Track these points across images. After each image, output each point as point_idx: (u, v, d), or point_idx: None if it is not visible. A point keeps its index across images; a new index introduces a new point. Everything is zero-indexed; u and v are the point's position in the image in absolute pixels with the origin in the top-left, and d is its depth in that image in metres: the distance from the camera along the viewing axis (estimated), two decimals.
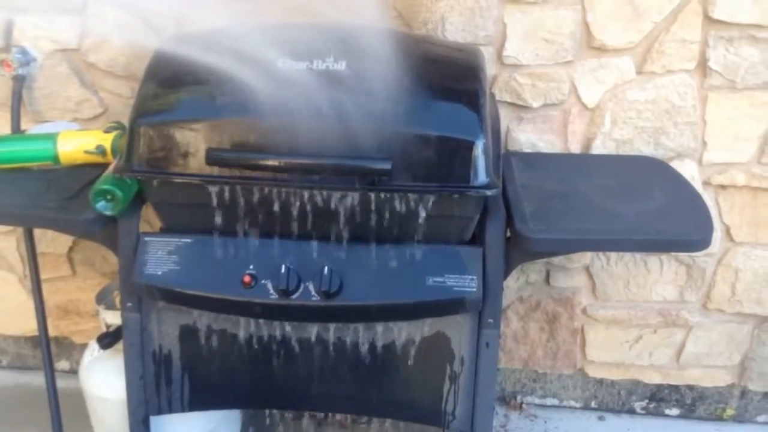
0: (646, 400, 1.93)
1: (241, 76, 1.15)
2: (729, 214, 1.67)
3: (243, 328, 1.30)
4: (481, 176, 1.15)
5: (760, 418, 1.91)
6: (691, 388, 1.90)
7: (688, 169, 1.61)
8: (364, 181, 1.14)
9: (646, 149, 1.61)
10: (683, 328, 1.80)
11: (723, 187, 1.64)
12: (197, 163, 1.15)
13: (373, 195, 1.16)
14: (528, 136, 1.62)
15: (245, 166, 1.14)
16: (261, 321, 1.29)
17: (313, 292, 1.20)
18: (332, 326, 1.30)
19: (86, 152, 1.36)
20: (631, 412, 1.94)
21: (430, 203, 1.17)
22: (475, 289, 1.21)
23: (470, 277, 1.22)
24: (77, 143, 1.36)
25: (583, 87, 1.57)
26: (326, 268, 1.19)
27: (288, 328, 1.30)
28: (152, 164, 1.17)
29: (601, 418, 1.92)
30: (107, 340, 1.45)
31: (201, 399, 1.37)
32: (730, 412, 1.91)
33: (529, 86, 1.56)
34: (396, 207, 1.17)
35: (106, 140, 1.36)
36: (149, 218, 1.57)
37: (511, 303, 1.80)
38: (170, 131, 1.15)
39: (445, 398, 1.34)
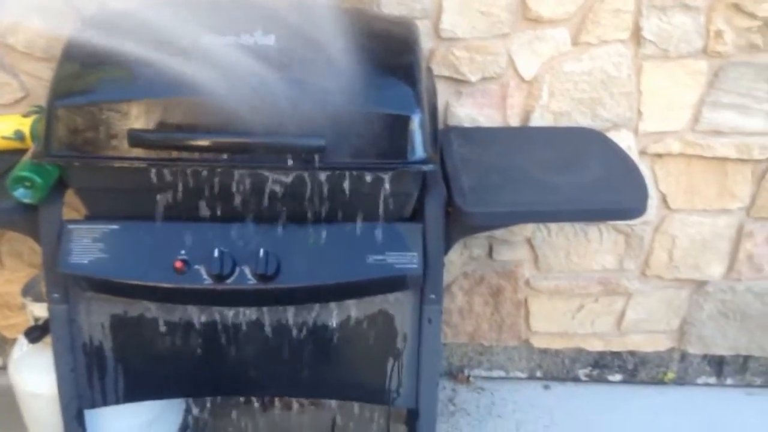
0: (590, 368, 1.97)
1: (165, 54, 1.10)
2: (665, 182, 1.69)
3: (177, 315, 1.26)
4: (419, 151, 1.13)
5: (700, 380, 1.97)
6: (632, 353, 1.94)
7: (624, 139, 1.62)
8: (298, 160, 1.10)
9: (583, 120, 1.61)
10: (623, 295, 1.83)
11: (659, 155, 1.67)
12: (120, 146, 1.10)
13: (307, 174, 1.13)
14: (468, 111, 1.61)
15: (169, 146, 1.09)
16: (196, 307, 1.25)
17: (249, 276, 1.16)
18: (271, 309, 1.27)
19: (3, 138, 1.31)
20: (576, 379, 1.98)
21: (367, 180, 1.14)
22: (416, 266, 1.20)
23: (411, 253, 1.20)
24: None
25: (520, 59, 1.56)
26: (262, 251, 1.16)
27: (225, 313, 1.26)
28: (72, 148, 1.11)
29: (546, 387, 1.95)
30: (35, 333, 1.38)
31: (136, 390, 1.33)
32: (671, 375, 1.96)
33: (467, 60, 1.54)
34: (332, 185, 1.14)
35: (25, 125, 1.31)
36: (76, 205, 1.50)
37: (456, 278, 1.80)
38: (90, 112, 1.09)
39: (389, 376, 1.33)
